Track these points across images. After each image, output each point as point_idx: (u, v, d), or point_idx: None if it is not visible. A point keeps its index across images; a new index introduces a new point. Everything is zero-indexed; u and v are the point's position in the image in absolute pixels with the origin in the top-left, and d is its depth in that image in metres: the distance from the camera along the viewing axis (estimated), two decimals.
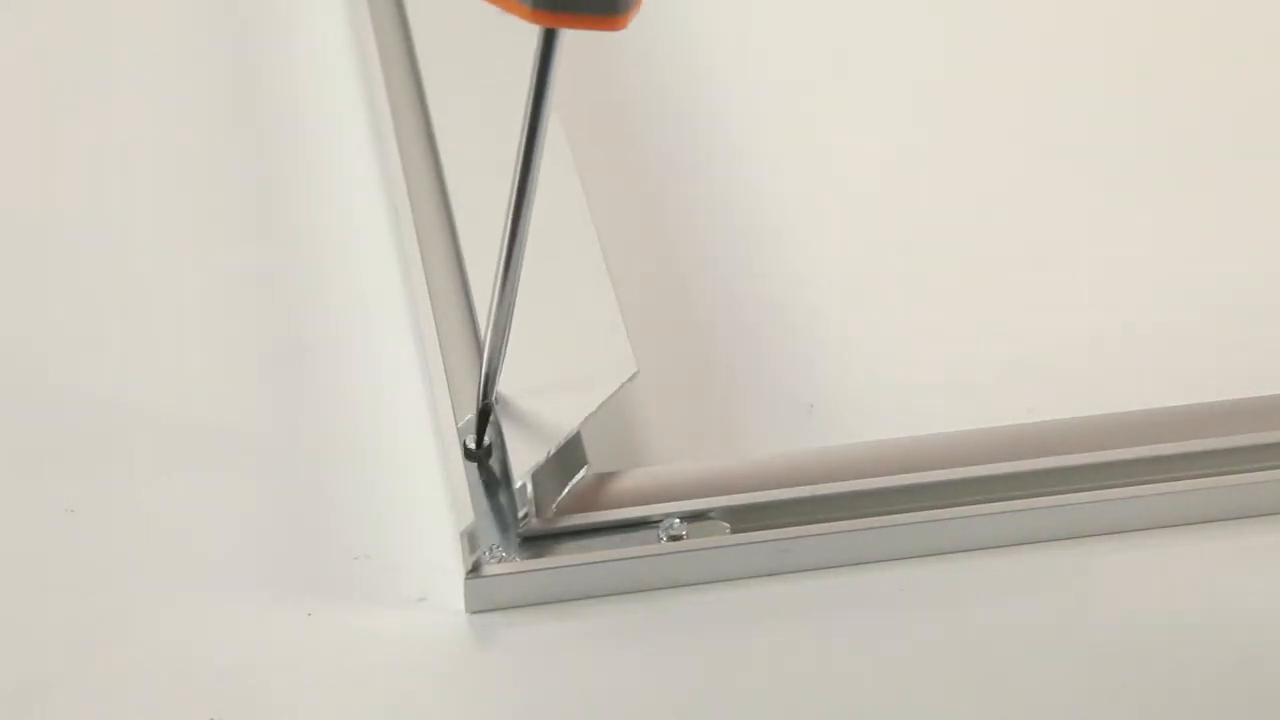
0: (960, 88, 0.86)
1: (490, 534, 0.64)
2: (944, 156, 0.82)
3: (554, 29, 0.56)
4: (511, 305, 0.62)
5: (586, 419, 0.65)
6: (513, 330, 0.63)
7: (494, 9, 0.55)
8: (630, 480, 0.66)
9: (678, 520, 0.64)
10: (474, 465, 0.65)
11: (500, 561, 0.63)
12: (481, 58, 0.79)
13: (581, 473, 0.65)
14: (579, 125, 0.77)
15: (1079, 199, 0.80)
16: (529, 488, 0.64)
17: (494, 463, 0.66)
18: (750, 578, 0.64)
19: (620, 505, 0.65)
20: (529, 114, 0.58)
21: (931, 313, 0.75)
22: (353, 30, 0.87)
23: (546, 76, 0.58)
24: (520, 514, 0.64)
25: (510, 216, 0.61)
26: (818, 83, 0.86)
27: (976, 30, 0.90)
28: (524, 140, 0.59)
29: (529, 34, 0.57)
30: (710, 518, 0.65)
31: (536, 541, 0.64)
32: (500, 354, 0.63)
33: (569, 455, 0.65)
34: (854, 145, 0.83)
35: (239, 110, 0.84)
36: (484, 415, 0.65)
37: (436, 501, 0.66)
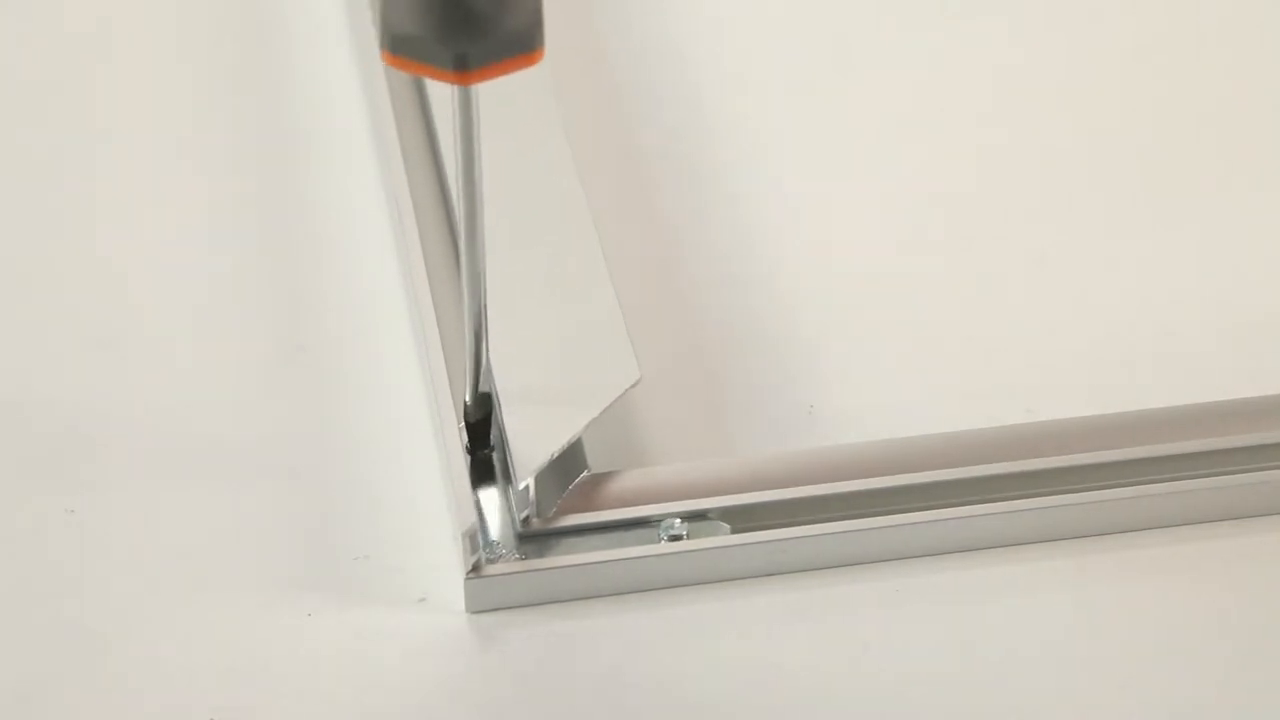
0: (959, 89, 0.86)
1: (490, 534, 0.64)
2: (944, 156, 0.82)
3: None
4: (477, 318, 0.62)
5: (589, 424, 0.65)
6: (516, 334, 0.63)
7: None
8: (630, 480, 0.66)
9: (677, 520, 0.64)
10: (475, 465, 0.65)
11: (500, 561, 0.63)
12: None
13: (582, 473, 0.65)
14: (580, 129, 0.77)
15: (1079, 199, 0.80)
16: (530, 488, 0.64)
17: (495, 463, 0.66)
18: (749, 578, 0.64)
19: (620, 505, 0.65)
20: (460, 164, 0.59)
21: (931, 313, 0.75)
22: (353, 31, 0.87)
23: (470, 125, 0.58)
24: (520, 514, 0.64)
25: (465, 245, 0.61)
26: (820, 88, 0.86)
27: (976, 32, 0.90)
28: (462, 188, 0.59)
29: None
30: (710, 518, 0.65)
31: (537, 541, 0.64)
32: (480, 359, 0.64)
33: (569, 456, 0.65)
34: (855, 148, 0.83)
35: (239, 112, 0.84)
36: (469, 421, 0.65)
37: (437, 502, 0.66)
